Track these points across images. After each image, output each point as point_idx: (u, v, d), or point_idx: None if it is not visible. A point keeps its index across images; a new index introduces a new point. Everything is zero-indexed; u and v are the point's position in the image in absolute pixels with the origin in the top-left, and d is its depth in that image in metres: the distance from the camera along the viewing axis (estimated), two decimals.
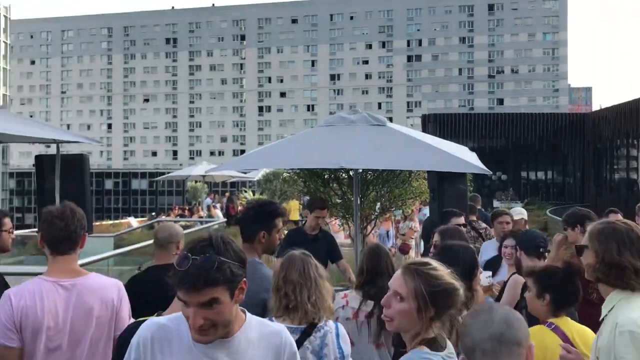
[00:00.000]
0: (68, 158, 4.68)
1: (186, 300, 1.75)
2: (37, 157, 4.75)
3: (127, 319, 2.81)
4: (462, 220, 5.31)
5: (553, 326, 2.93)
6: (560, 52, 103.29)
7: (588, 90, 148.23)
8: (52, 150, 4.51)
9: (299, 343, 2.89)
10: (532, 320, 3.34)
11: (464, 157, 5.48)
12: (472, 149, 7.06)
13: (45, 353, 2.62)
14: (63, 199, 4.41)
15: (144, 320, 2.33)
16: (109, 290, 2.78)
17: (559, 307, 3.00)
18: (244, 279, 1.84)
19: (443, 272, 2.21)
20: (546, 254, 4.18)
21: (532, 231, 4.34)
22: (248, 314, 1.95)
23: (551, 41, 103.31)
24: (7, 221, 3.82)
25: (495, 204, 24.59)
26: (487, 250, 5.46)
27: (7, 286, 3.73)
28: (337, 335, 2.97)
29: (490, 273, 4.65)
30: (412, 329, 2.17)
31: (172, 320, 1.92)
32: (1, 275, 3.76)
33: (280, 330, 2.05)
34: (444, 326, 2.22)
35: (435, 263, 2.27)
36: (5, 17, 77.85)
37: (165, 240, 3.58)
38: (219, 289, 1.75)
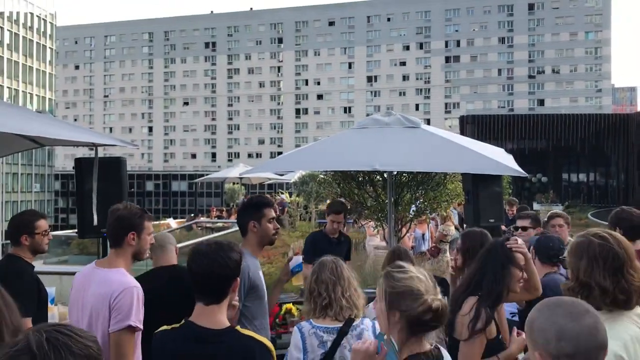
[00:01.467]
0: (106, 161, 4.79)
1: None
2: (77, 160, 4.87)
3: (123, 320, 2.84)
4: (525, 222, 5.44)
5: None
6: (604, 52, 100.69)
7: (632, 90, 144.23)
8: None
9: (337, 343, 2.96)
10: None
11: (499, 159, 5.40)
12: (511, 151, 6.96)
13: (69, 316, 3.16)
14: (100, 200, 4.51)
15: (170, 329, 2.37)
16: (110, 287, 2.90)
17: None
18: None
19: (410, 275, 2.20)
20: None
21: (552, 239, 4.11)
22: None
23: (594, 40, 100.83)
24: (42, 223, 3.91)
25: (535, 206, 24.18)
26: None
27: (39, 284, 3.85)
28: (374, 333, 2.99)
29: None
30: (386, 331, 2.21)
31: None
32: (35, 274, 3.88)
33: None
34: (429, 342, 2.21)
35: (409, 267, 2.27)
36: (51, 23, 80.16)
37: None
38: None
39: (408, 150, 5.39)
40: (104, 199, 4.59)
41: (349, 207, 9.49)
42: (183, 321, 2.34)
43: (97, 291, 2.91)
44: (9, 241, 4.22)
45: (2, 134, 4.14)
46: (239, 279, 2.37)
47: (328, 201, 17.92)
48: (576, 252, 2.33)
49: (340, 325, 2.99)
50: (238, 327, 2.33)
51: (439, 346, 2.25)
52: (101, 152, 4.68)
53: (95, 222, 4.53)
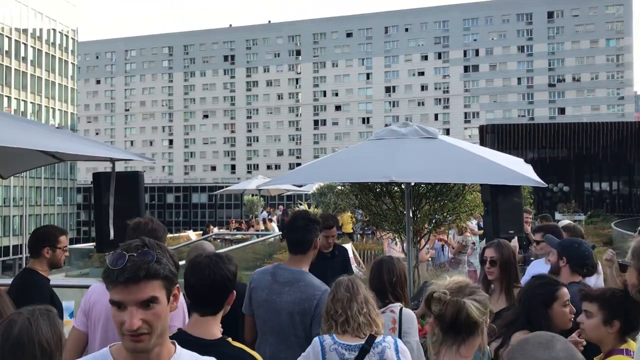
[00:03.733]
0: (123, 175, 4.83)
1: (122, 299, 1.65)
2: (95, 175, 4.91)
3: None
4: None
5: (630, 353, 2.78)
6: (625, 59, 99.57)
7: None
8: (117, 167, 4.68)
9: None
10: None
11: (518, 170, 5.33)
12: (532, 160, 6.89)
13: (102, 340, 3.04)
14: (118, 214, 4.54)
15: None
16: None
17: (626, 333, 2.87)
18: (177, 285, 1.76)
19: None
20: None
21: (585, 246, 3.90)
22: (178, 346, 1.83)
23: (615, 47, 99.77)
24: (63, 239, 3.99)
25: (557, 216, 23.83)
26: (534, 268, 5.05)
27: (53, 298, 3.88)
28: (397, 351, 2.95)
29: None
30: None
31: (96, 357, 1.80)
32: (50, 288, 3.92)
33: None
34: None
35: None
36: (73, 39, 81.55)
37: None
38: (158, 286, 1.67)
39: (425, 161, 5.34)
40: (121, 213, 4.62)
41: (367, 219, 9.47)
42: (176, 331, 2.39)
43: None
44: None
45: (23, 150, 4.20)
46: (234, 292, 2.42)
47: (348, 213, 17.90)
48: (638, 252, 2.31)
49: (362, 342, 2.93)
50: (230, 339, 2.35)
51: None
52: (122, 166, 4.71)
53: (112, 236, 4.55)
